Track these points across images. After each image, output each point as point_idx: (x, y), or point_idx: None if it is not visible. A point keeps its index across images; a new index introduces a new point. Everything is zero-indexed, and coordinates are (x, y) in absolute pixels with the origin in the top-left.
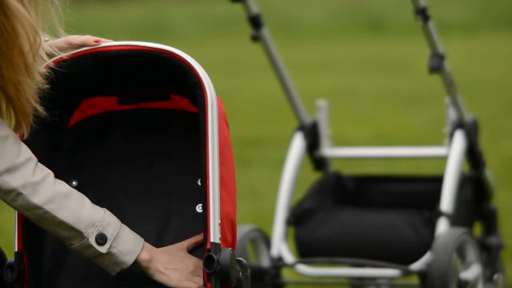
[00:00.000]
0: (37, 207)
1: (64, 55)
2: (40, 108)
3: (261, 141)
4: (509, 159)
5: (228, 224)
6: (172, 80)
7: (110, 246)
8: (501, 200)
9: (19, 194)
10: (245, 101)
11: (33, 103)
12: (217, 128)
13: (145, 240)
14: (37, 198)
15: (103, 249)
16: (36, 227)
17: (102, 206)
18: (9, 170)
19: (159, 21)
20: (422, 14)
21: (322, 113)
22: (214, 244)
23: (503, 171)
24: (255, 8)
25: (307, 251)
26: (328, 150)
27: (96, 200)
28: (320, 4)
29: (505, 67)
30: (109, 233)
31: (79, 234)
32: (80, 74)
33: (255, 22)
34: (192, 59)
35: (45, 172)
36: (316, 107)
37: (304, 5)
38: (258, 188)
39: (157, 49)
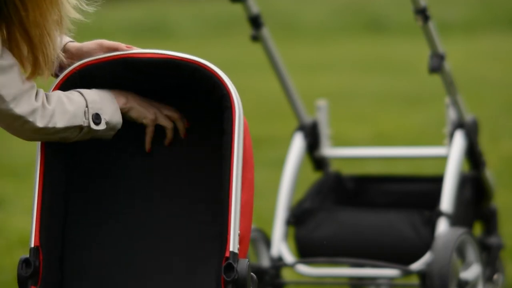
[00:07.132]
0: (43, 129)
1: (94, 58)
2: (62, 55)
3: (261, 141)
4: (509, 159)
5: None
6: (200, 91)
7: (103, 119)
8: (501, 200)
9: (26, 121)
10: (245, 101)
11: (57, 51)
12: (242, 141)
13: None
14: (41, 122)
15: (102, 126)
16: (54, 225)
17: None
18: (16, 98)
19: (159, 21)
20: (422, 14)
21: (322, 113)
22: (233, 253)
23: (503, 171)
24: (255, 8)
25: (307, 251)
26: (328, 150)
27: (113, 211)
28: (320, 4)
29: (505, 67)
30: (97, 109)
31: (78, 127)
32: (108, 78)
33: (255, 22)
34: (222, 72)
35: (40, 94)
36: (316, 107)
37: (304, 5)
38: (258, 188)
39: (187, 59)
